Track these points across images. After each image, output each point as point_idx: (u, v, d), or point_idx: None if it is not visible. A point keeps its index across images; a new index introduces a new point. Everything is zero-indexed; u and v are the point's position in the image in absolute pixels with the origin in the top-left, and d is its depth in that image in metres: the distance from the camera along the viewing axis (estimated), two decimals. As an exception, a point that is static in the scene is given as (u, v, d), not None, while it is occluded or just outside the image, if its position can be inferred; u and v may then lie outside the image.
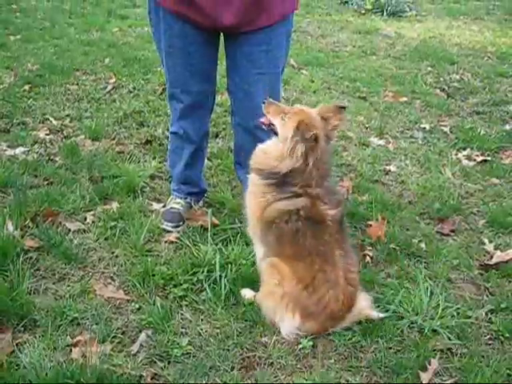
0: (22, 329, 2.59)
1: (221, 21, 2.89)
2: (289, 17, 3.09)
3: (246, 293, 2.84)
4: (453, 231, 3.63)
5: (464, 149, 4.83)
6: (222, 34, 3.11)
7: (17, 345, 2.48)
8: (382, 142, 4.86)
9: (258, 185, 2.76)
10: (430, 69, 7.04)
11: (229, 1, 2.84)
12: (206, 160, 3.75)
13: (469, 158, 4.68)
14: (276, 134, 2.75)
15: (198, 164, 3.52)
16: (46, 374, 2.30)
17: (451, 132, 5.18)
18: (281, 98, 3.14)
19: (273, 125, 2.76)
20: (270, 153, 2.74)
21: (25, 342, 2.50)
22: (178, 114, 3.31)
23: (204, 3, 2.86)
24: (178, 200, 3.51)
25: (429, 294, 2.90)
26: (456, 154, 4.73)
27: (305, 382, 2.41)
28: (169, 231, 3.34)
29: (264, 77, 3.05)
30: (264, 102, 2.78)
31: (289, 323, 2.62)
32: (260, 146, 2.84)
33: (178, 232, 3.32)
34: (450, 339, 2.67)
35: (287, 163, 2.61)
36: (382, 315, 2.72)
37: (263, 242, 2.80)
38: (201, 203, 3.63)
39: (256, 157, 2.82)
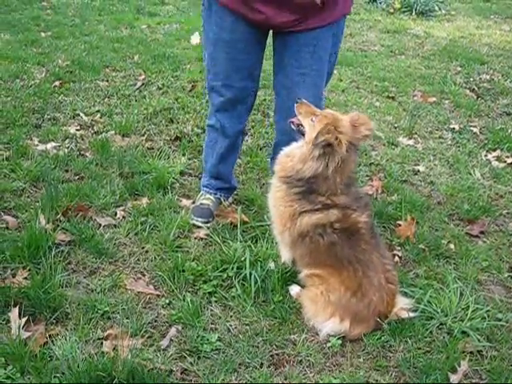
0: (55, 321, 2.63)
1: (274, 18, 2.90)
2: (339, 20, 3.06)
3: (294, 288, 2.87)
4: (482, 233, 3.60)
5: (494, 150, 4.79)
6: (271, 32, 3.11)
7: (49, 336, 2.52)
8: (410, 142, 4.84)
9: (283, 192, 2.77)
10: (459, 69, 6.97)
11: (285, 0, 2.84)
12: (237, 158, 3.77)
13: (499, 159, 4.64)
14: (303, 135, 2.76)
15: (231, 159, 3.54)
16: (78, 366, 2.32)
17: (481, 133, 5.14)
18: (324, 101, 3.12)
19: (302, 126, 2.78)
20: (293, 155, 2.75)
21: (57, 334, 2.54)
22: (216, 108, 3.32)
23: (261, 1, 2.87)
24: (208, 196, 3.54)
25: (458, 295, 2.89)
26: (486, 155, 4.69)
27: (333, 380, 2.42)
28: (199, 227, 3.36)
29: (307, 77, 3.05)
30: (297, 102, 2.79)
31: (334, 326, 2.63)
32: (284, 150, 2.87)
33: (208, 228, 3.34)
34: (479, 341, 2.66)
35: (310, 165, 2.63)
36: (412, 314, 2.71)
37: (292, 250, 2.83)
38: (230, 200, 3.66)
39: (280, 162, 2.83)
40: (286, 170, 2.76)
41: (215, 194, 3.55)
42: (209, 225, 3.38)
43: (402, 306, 2.72)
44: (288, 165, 2.75)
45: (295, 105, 2.79)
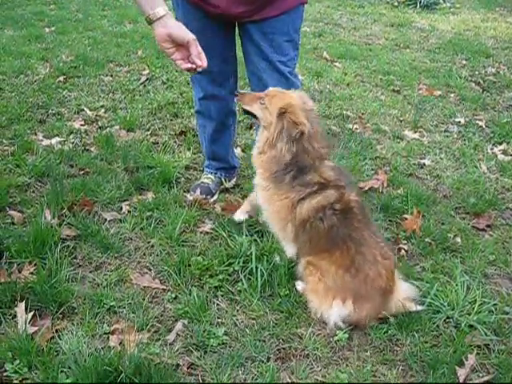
0: (61, 316, 2.63)
1: (229, 10, 2.96)
2: (297, 8, 3.10)
3: (300, 283, 2.85)
4: (489, 226, 3.59)
5: (500, 143, 4.78)
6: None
7: (56, 331, 2.52)
8: (416, 136, 4.82)
9: (274, 188, 2.76)
10: (464, 62, 6.96)
11: None
12: (233, 137, 3.79)
13: (505, 152, 4.63)
14: (256, 118, 2.82)
15: (224, 139, 3.61)
16: (85, 361, 2.32)
17: (487, 126, 5.12)
18: (295, 84, 3.16)
19: (251, 113, 2.84)
20: (263, 148, 2.77)
21: (63, 329, 2.54)
22: (199, 94, 3.43)
23: None
24: (209, 175, 3.70)
25: (465, 288, 2.88)
26: (492, 149, 4.67)
27: (340, 374, 2.41)
28: (203, 222, 3.37)
29: (271, 64, 3.10)
30: (236, 95, 2.91)
31: (339, 311, 2.61)
32: (253, 150, 2.91)
33: (214, 223, 3.35)
34: (486, 335, 2.64)
35: (281, 146, 2.65)
36: (419, 308, 2.70)
37: (295, 242, 2.81)
38: (233, 181, 3.80)
39: (257, 163, 2.85)
40: (266, 167, 2.76)
41: (215, 173, 3.70)
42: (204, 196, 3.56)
43: (409, 297, 2.71)
44: (265, 161, 2.76)
45: (235, 98, 2.93)
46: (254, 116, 2.83)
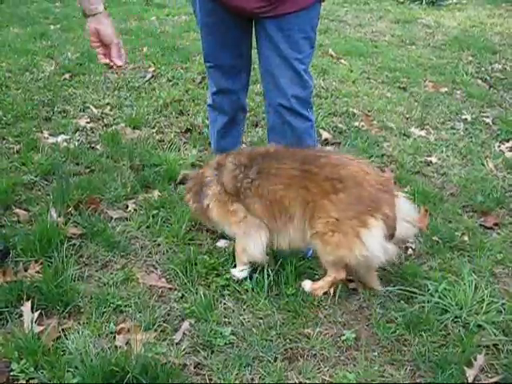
0: (67, 315, 2.62)
1: (244, 6, 2.95)
2: (315, 5, 3.07)
3: (306, 284, 2.84)
4: (496, 224, 3.56)
5: (507, 140, 4.75)
6: None
7: (62, 330, 2.51)
8: (422, 133, 4.80)
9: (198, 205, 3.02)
10: (470, 58, 6.92)
11: None
12: (242, 133, 3.78)
13: (512, 149, 4.60)
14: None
15: (233, 135, 3.60)
16: (91, 360, 2.31)
17: (493, 123, 5.09)
18: (307, 82, 3.13)
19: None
20: None
21: (70, 328, 2.53)
22: (212, 88, 3.42)
23: None
24: None
25: (473, 288, 2.85)
26: (499, 146, 4.65)
27: (348, 374, 2.39)
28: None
29: (286, 61, 3.06)
30: None
31: (372, 231, 2.58)
32: None
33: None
34: (495, 335, 2.62)
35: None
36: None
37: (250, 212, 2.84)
38: None
39: None
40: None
41: None
42: None
43: (409, 218, 2.73)
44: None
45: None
46: None
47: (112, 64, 2.68)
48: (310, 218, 2.68)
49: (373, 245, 2.59)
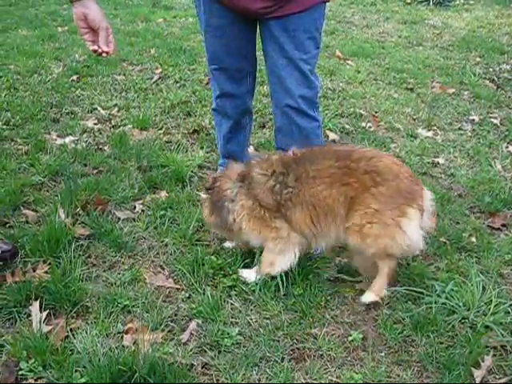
0: (75, 315, 2.64)
1: (249, 6, 2.96)
2: (320, 6, 3.08)
3: (367, 296, 2.79)
4: (504, 225, 3.55)
5: (515, 141, 4.73)
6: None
7: (70, 330, 2.53)
8: (430, 134, 4.79)
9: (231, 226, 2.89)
10: (478, 59, 6.90)
11: None
12: (249, 136, 3.78)
13: (520, 150, 4.58)
14: None
15: (239, 138, 3.60)
16: (99, 360, 2.32)
17: (501, 124, 5.08)
18: (313, 82, 3.14)
19: None
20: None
21: (78, 328, 2.54)
22: (217, 92, 3.43)
23: None
24: None
25: (480, 289, 2.84)
26: (507, 147, 4.63)
27: (355, 375, 2.39)
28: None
29: (291, 62, 3.08)
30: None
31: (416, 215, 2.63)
32: None
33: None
34: (503, 336, 2.61)
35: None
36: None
37: (292, 226, 2.79)
38: None
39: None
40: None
41: None
42: None
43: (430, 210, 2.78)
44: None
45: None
46: None
47: (100, 51, 2.59)
48: (348, 211, 2.67)
49: (413, 234, 2.65)
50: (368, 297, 2.76)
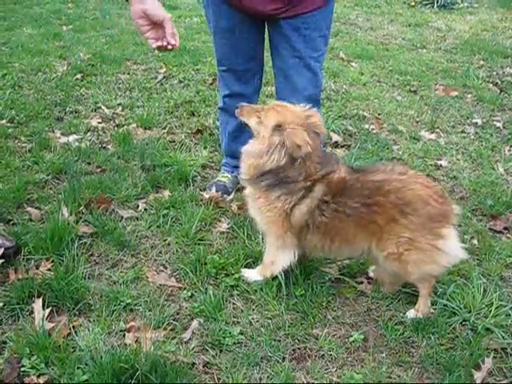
0: (78, 312, 2.65)
1: (261, 9, 2.98)
2: (329, 5, 3.12)
3: (411, 312, 2.75)
4: (506, 228, 3.56)
5: (517, 145, 4.74)
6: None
7: (73, 328, 2.54)
8: (433, 137, 4.80)
9: (260, 196, 2.73)
10: (482, 62, 6.91)
11: None
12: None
13: (522, 154, 4.59)
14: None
15: (243, 138, 3.54)
16: (101, 358, 2.33)
17: (504, 127, 5.08)
18: (320, 81, 3.17)
19: (248, 126, 2.79)
20: (252, 152, 2.72)
21: (80, 326, 2.55)
22: (224, 91, 3.46)
23: None
24: (226, 174, 3.72)
25: (482, 291, 2.85)
26: (509, 150, 4.64)
27: (356, 375, 2.40)
28: (220, 220, 3.37)
29: (302, 61, 3.10)
30: (237, 107, 2.81)
31: (448, 239, 2.62)
32: (243, 149, 2.81)
33: (227, 221, 3.36)
34: (504, 338, 2.62)
35: (267, 158, 2.61)
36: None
37: (300, 243, 2.78)
38: None
39: (243, 162, 2.78)
40: (248, 171, 2.73)
41: (232, 172, 3.70)
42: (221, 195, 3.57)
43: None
44: (247, 164, 2.73)
45: (236, 111, 2.81)
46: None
47: (165, 44, 2.46)
48: (378, 241, 2.66)
49: (452, 250, 2.65)
50: (412, 314, 2.74)
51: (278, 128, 2.57)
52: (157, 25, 2.44)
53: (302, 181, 2.62)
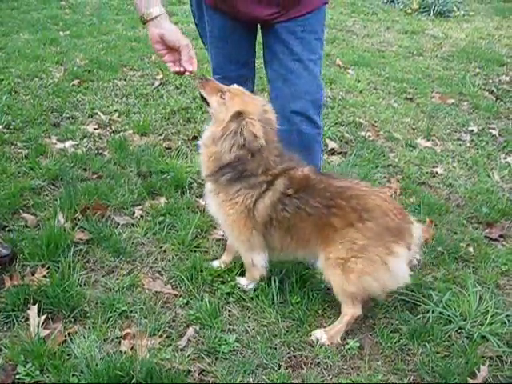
0: (73, 319, 2.64)
1: (257, 14, 2.98)
2: (322, 8, 3.13)
3: (318, 334, 2.64)
4: (502, 236, 3.57)
5: (513, 152, 4.76)
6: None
7: (68, 335, 2.53)
8: (429, 144, 4.81)
9: (219, 192, 2.72)
10: (478, 70, 6.93)
11: None
12: None
13: (518, 161, 4.61)
14: (209, 107, 2.73)
15: None
16: (97, 365, 2.33)
17: (500, 135, 5.10)
18: (320, 85, 3.18)
19: (206, 101, 2.74)
20: (207, 140, 2.70)
21: (75, 333, 2.55)
22: None
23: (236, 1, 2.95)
24: None
25: (477, 299, 2.86)
26: (505, 158, 4.66)
27: (351, 383, 2.40)
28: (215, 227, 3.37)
29: (301, 64, 3.09)
30: (201, 79, 2.74)
31: (398, 257, 2.55)
32: (200, 142, 2.79)
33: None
34: (499, 346, 2.63)
35: (222, 146, 2.60)
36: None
37: (271, 243, 2.76)
38: None
39: (201, 156, 2.76)
40: (207, 164, 2.71)
41: None
42: None
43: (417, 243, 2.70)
44: (207, 157, 2.70)
45: (198, 82, 2.73)
46: (208, 105, 2.73)
47: (183, 70, 2.49)
48: (328, 244, 2.61)
49: (400, 272, 2.59)
50: (320, 336, 2.63)
51: (239, 116, 2.58)
52: (173, 49, 2.46)
53: (263, 174, 2.64)
